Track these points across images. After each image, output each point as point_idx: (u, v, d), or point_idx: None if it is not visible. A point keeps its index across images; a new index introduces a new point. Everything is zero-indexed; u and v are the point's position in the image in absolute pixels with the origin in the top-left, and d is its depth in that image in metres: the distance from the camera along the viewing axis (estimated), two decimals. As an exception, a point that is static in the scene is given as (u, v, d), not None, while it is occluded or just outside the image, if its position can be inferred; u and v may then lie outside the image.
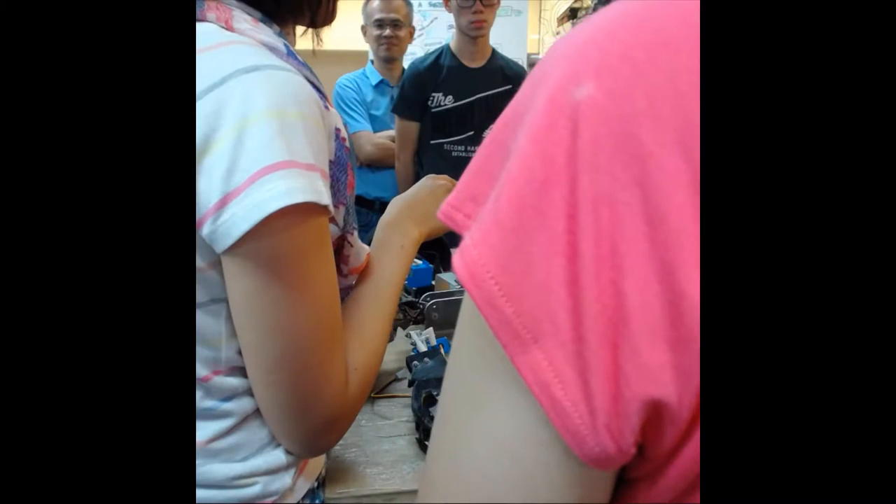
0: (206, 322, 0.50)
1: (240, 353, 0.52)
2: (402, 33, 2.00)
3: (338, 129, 0.54)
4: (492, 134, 0.26)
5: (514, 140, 0.23)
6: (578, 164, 0.21)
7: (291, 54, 0.53)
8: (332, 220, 0.53)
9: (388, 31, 1.97)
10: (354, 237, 0.59)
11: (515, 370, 0.22)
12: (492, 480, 0.24)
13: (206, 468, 0.53)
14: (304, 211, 0.46)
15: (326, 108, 0.52)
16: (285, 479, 0.56)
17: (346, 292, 0.62)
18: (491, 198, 0.23)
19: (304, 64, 0.54)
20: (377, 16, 1.97)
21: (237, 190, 0.44)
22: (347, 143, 0.56)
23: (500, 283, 0.22)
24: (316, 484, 0.62)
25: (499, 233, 0.22)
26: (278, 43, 0.52)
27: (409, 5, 2.03)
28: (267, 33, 0.52)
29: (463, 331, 0.26)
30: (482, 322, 0.23)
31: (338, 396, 0.53)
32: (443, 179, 0.74)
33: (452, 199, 0.27)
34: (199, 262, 0.48)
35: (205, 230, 0.46)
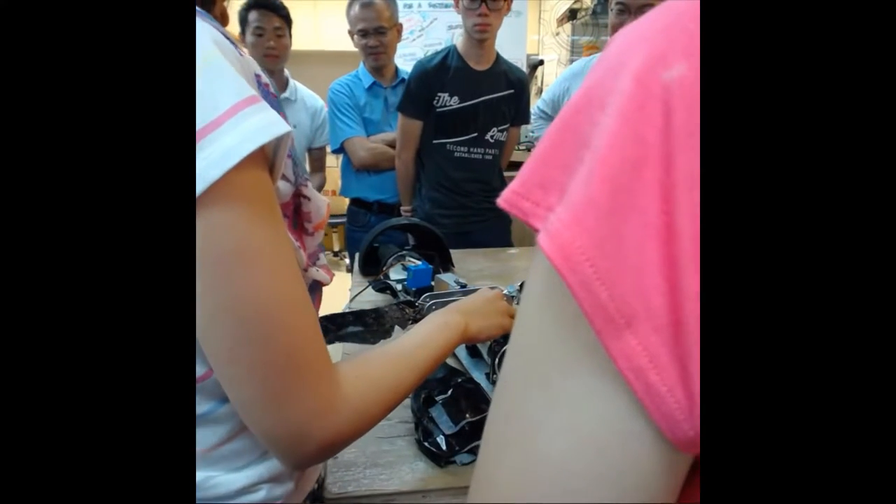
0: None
1: None
2: (388, 38, 1.97)
3: (258, 75, 0.49)
4: (560, 120, 0.25)
5: (591, 126, 0.23)
6: (673, 144, 0.21)
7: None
8: (284, 176, 0.50)
9: (372, 41, 1.94)
10: (309, 188, 0.55)
11: (601, 357, 0.22)
12: (574, 475, 0.23)
13: (211, 482, 0.51)
14: (249, 165, 0.41)
15: (241, 54, 0.48)
16: (288, 485, 0.56)
17: (315, 257, 0.58)
18: (575, 181, 0.23)
19: (206, 14, 0.50)
20: (360, 25, 1.94)
21: None
22: (272, 89, 0.52)
23: (595, 265, 0.21)
24: (316, 486, 0.62)
25: (593, 214, 0.22)
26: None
27: (392, 4, 1.99)
28: None
29: (532, 319, 0.25)
30: (561, 308, 0.23)
31: (322, 389, 0.46)
32: (496, 291, 0.78)
33: (517, 186, 0.26)
34: None
35: None
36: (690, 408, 0.20)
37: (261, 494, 0.54)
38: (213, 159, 0.39)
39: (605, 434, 0.22)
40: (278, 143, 0.45)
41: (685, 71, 0.21)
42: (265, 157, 0.45)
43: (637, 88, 0.22)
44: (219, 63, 0.42)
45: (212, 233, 0.41)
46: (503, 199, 0.26)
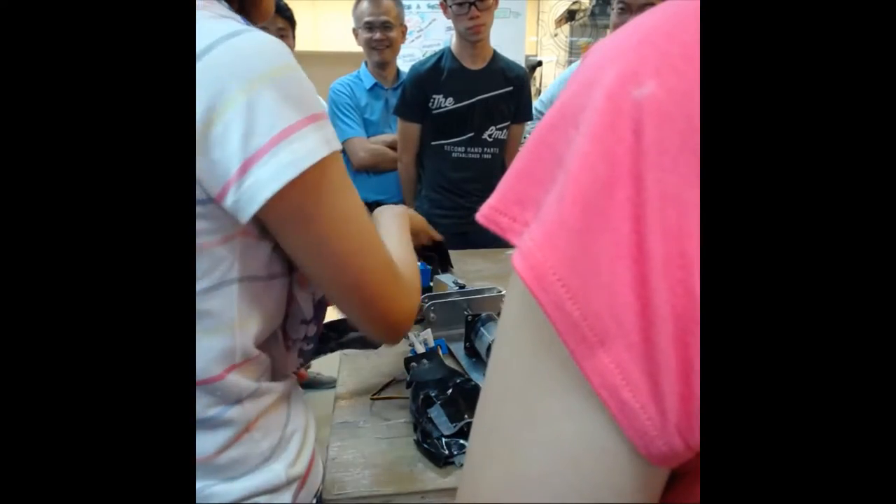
0: (218, 305, 0.49)
1: (254, 340, 0.51)
2: (394, 34, 1.98)
3: None
4: (536, 136, 0.25)
5: (565, 143, 0.23)
6: (643, 163, 0.21)
7: (248, 24, 0.52)
8: None
9: (378, 35, 1.95)
10: None
11: (576, 375, 0.22)
12: (552, 491, 0.23)
13: (207, 491, 0.51)
14: (330, 159, 0.49)
15: None
16: (285, 497, 0.56)
17: None
18: (548, 200, 0.23)
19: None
20: (366, 18, 1.95)
21: (259, 153, 0.45)
22: None
23: (567, 285, 0.22)
24: (315, 501, 0.62)
25: (564, 234, 0.22)
26: (236, 17, 0.52)
27: (400, 5, 2.02)
28: (220, 9, 0.52)
29: (510, 336, 0.26)
30: (537, 327, 0.23)
31: (404, 287, 0.59)
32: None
33: (495, 202, 0.26)
34: (211, 238, 0.48)
35: (228, 200, 0.46)
36: (663, 424, 0.21)
37: None
38: (327, 138, 0.49)
39: (581, 451, 0.22)
40: None
41: (655, 89, 0.21)
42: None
43: (608, 106, 0.22)
44: (295, 77, 0.49)
45: (339, 191, 0.52)
46: (481, 214, 0.26)
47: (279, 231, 0.50)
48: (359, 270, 0.54)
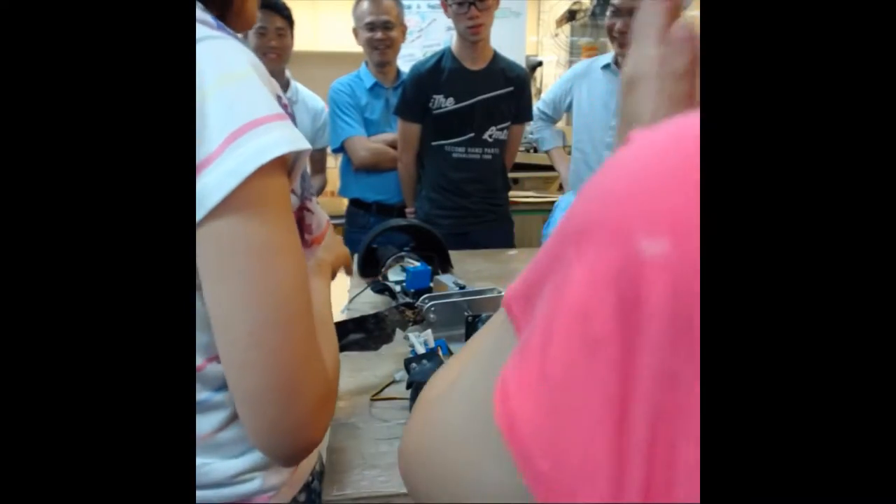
0: (199, 304, 0.49)
1: None
2: (394, 34, 1.98)
3: (279, 97, 0.53)
4: (552, 237, 0.24)
5: (563, 259, 0.22)
6: (641, 330, 0.19)
7: (221, 27, 0.52)
8: (291, 190, 0.53)
9: (379, 34, 1.96)
10: (313, 202, 0.59)
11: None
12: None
13: (205, 469, 0.53)
14: (276, 168, 0.46)
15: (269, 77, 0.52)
16: (283, 474, 0.57)
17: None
18: (535, 334, 0.23)
19: (236, 36, 0.53)
20: (367, 19, 1.95)
21: (208, 159, 0.44)
22: (290, 110, 0.56)
23: (539, 440, 0.21)
24: (311, 478, 0.62)
25: (545, 386, 0.21)
26: (206, 17, 0.52)
27: (400, 5, 2.02)
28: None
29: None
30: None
31: (322, 377, 0.49)
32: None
33: (516, 287, 0.26)
34: None
35: None
36: None
37: (256, 483, 0.55)
38: (247, 155, 0.44)
39: None
40: (297, 157, 0.50)
41: (668, 249, 0.19)
42: (286, 167, 0.49)
43: (612, 252, 0.20)
44: (250, 80, 0.47)
45: (244, 224, 0.45)
46: (504, 300, 0.27)
47: (204, 239, 0.44)
48: (265, 320, 0.45)
